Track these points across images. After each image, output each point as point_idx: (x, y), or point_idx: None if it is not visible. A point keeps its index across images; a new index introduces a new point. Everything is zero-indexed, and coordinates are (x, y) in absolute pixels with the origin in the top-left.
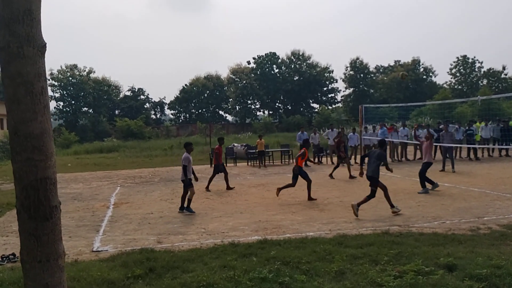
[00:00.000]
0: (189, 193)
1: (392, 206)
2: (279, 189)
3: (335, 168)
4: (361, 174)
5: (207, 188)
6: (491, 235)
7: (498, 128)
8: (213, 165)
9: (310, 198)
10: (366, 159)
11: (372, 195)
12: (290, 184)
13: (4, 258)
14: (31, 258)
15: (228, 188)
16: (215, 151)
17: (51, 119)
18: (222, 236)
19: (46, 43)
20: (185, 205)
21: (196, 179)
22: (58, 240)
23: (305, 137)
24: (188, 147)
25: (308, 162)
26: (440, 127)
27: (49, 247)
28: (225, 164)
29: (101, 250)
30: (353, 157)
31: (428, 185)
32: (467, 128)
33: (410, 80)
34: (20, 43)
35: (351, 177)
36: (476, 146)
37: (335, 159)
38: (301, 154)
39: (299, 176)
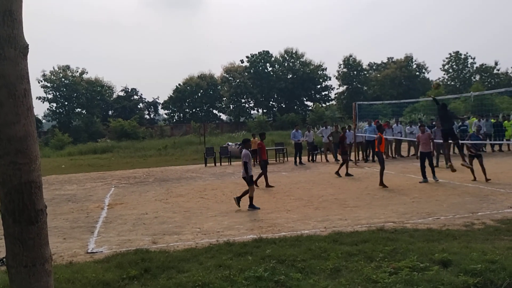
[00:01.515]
0: (249, 191)
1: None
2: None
3: (341, 165)
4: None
5: (267, 185)
6: (485, 230)
7: (489, 124)
8: (258, 162)
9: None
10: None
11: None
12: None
13: None
14: (16, 263)
15: (268, 186)
16: (259, 146)
17: (44, 121)
18: (217, 236)
19: (28, 45)
20: (248, 202)
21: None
22: (44, 244)
23: (300, 135)
24: (246, 144)
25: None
26: (434, 123)
27: (35, 252)
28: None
29: (96, 252)
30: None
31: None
32: (460, 124)
33: (403, 76)
34: (1, 45)
35: (348, 174)
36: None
37: (330, 156)
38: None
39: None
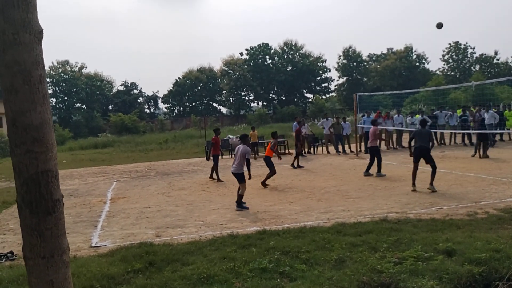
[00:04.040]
0: (242, 187)
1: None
2: (263, 183)
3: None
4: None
5: (218, 179)
6: (488, 219)
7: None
8: (211, 156)
9: (264, 183)
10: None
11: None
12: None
13: (2, 257)
14: (34, 254)
15: (211, 178)
16: (212, 141)
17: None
18: (220, 228)
19: (43, 29)
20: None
21: (250, 177)
22: (62, 235)
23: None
24: (245, 139)
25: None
26: (435, 113)
27: (52, 243)
28: (220, 157)
29: (100, 246)
30: (347, 146)
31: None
32: (461, 114)
33: (403, 67)
34: (16, 29)
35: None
36: (471, 131)
37: (331, 148)
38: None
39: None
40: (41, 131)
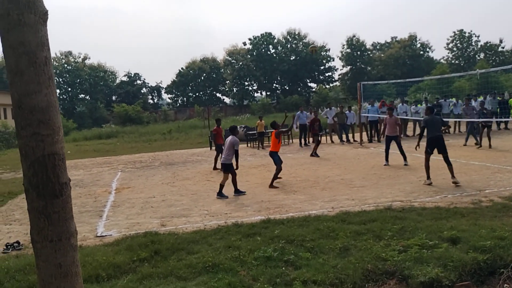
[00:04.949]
0: (223, 177)
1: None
2: (271, 186)
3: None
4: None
5: (214, 167)
6: (493, 207)
7: (495, 102)
8: (214, 146)
9: (272, 185)
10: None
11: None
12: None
13: (9, 246)
14: (42, 237)
15: (215, 168)
16: (213, 132)
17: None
18: (225, 217)
19: (47, 10)
20: (230, 189)
21: (237, 167)
22: (69, 218)
23: (305, 117)
24: (235, 131)
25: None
26: (439, 102)
27: (60, 226)
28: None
29: (105, 235)
30: (351, 135)
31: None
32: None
33: (407, 56)
34: (21, 10)
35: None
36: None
37: (335, 137)
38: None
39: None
40: (47, 113)
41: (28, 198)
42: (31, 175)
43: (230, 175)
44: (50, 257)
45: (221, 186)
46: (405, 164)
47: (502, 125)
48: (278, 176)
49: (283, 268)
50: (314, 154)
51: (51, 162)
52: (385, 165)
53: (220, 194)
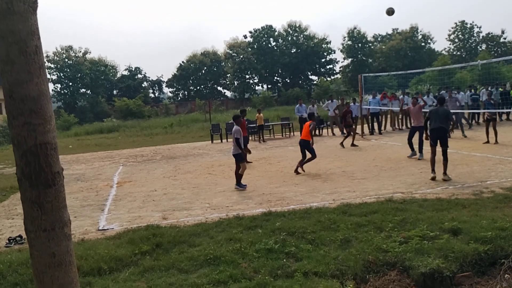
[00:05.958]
0: (241, 168)
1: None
2: (296, 171)
3: (346, 137)
4: (426, 138)
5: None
6: (494, 198)
7: (498, 93)
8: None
9: (296, 171)
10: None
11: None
12: (306, 158)
13: (11, 240)
14: (35, 227)
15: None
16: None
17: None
18: (226, 210)
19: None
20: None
21: (249, 152)
22: (62, 208)
23: (304, 110)
24: (237, 120)
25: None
26: (441, 93)
27: (53, 215)
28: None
29: (107, 229)
30: (353, 126)
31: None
32: (472, 92)
33: (408, 47)
34: None
35: (353, 145)
36: (480, 110)
37: (336, 130)
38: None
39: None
40: (39, 102)
41: (21, 188)
42: (23, 164)
43: (242, 165)
44: (44, 247)
45: (240, 176)
46: (419, 158)
47: (504, 116)
48: (301, 170)
49: (284, 260)
50: (354, 144)
51: (43, 151)
52: (419, 159)
53: (239, 185)
